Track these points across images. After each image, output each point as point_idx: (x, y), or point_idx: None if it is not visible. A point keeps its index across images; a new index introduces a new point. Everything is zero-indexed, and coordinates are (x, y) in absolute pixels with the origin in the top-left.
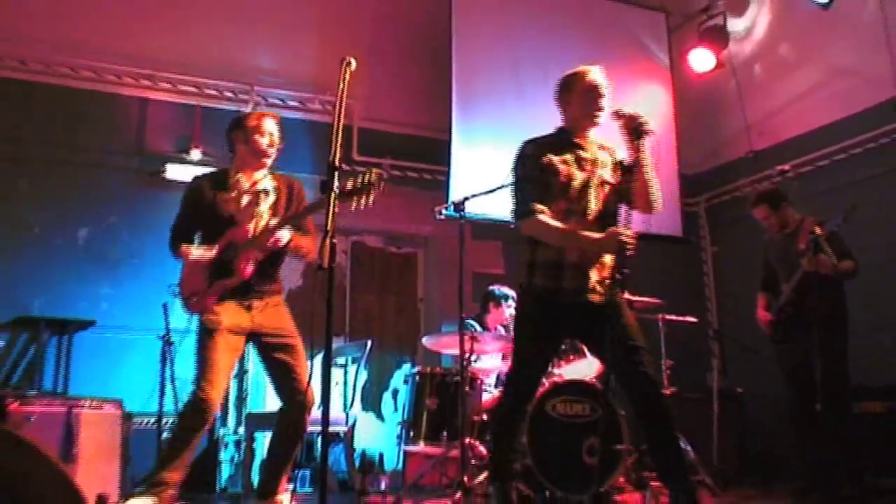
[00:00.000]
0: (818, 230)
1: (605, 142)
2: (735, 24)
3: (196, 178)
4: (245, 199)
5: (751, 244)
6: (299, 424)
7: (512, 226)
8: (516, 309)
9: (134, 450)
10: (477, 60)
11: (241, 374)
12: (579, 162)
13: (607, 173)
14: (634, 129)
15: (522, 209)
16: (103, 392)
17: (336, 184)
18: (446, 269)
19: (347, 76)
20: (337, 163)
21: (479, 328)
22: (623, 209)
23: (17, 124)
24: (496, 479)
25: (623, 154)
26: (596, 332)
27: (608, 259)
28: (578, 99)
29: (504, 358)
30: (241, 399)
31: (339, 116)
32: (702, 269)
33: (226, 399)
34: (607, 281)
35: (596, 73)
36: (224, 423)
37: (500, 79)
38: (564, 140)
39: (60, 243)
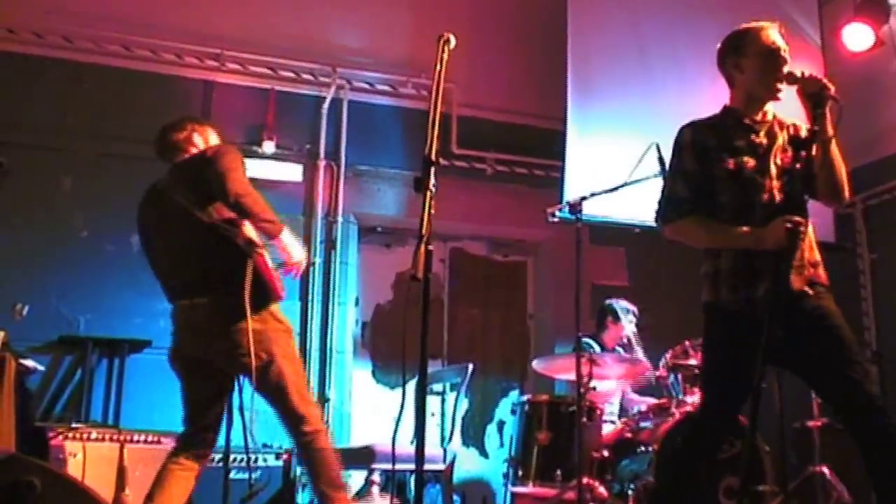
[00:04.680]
0: None
1: (785, 118)
2: None
3: None
4: None
5: None
6: None
7: (636, 230)
8: (704, 332)
9: (196, 492)
10: (596, 38)
11: (322, 402)
12: (751, 148)
13: (788, 159)
14: (814, 94)
15: (667, 211)
16: (160, 424)
17: (433, 181)
18: (560, 280)
19: (446, 56)
20: (433, 157)
21: (596, 347)
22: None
23: (63, 112)
24: None
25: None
26: (799, 347)
27: (814, 254)
28: (755, 63)
29: (627, 383)
30: None
31: (435, 103)
32: (858, 279)
33: None
34: (812, 281)
35: (775, 32)
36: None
37: (623, 59)
38: (732, 122)
39: (111, 250)
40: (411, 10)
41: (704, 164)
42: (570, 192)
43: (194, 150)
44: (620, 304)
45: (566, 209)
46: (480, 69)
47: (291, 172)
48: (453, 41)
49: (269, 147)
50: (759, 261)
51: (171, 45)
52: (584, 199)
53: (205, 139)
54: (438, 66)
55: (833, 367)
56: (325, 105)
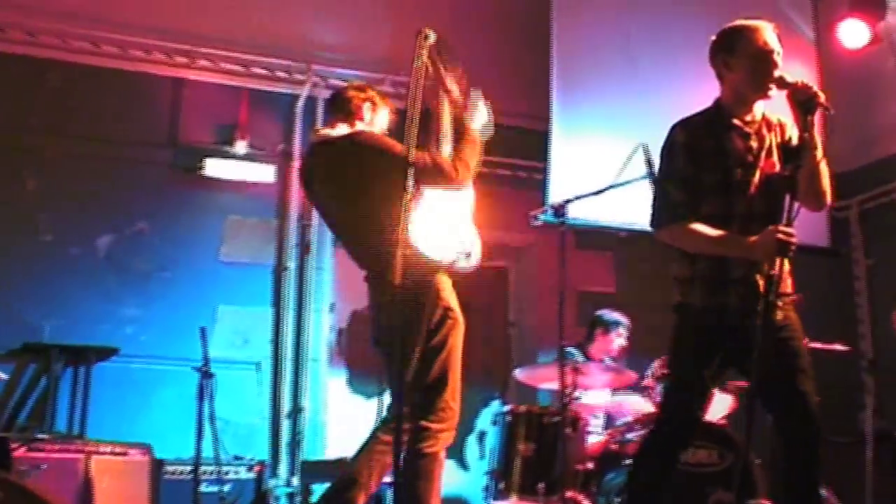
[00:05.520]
0: None
1: (772, 116)
2: None
3: None
4: None
5: None
6: None
7: (622, 234)
8: (674, 334)
9: None
10: (581, 36)
11: (296, 412)
12: (741, 156)
13: (775, 161)
14: (805, 101)
15: (663, 215)
16: (128, 435)
17: (412, 183)
18: (544, 286)
19: (425, 53)
20: (412, 158)
21: (580, 358)
22: (788, 204)
23: (26, 110)
24: None
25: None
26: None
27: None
28: (745, 64)
29: (613, 393)
30: (295, 443)
31: (414, 102)
32: (853, 286)
33: (276, 443)
34: (784, 295)
35: (769, 32)
36: (274, 473)
37: (610, 58)
38: (723, 120)
39: (76, 254)
40: (389, 6)
41: (696, 169)
42: (555, 195)
43: (358, 123)
44: (612, 316)
45: (550, 212)
46: (461, 66)
47: (264, 173)
48: (432, 37)
49: (241, 147)
50: (734, 269)
51: (139, 41)
52: (568, 201)
53: (374, 114)
54: (417, 63)
55: (782, 375)
56: (300, 104)
